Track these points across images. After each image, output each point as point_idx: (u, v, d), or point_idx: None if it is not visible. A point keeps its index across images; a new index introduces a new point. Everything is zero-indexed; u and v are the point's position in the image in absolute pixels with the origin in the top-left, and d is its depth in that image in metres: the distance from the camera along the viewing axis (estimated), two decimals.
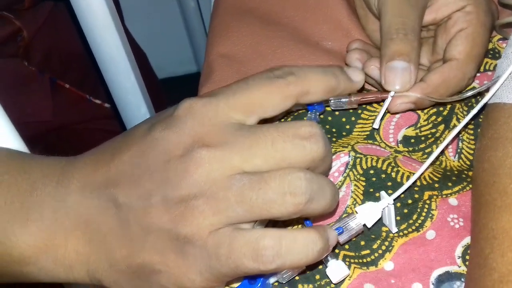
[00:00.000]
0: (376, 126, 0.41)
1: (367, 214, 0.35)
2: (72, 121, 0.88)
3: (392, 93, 0.39)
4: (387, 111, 0.40)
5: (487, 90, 0.36)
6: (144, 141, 0.29)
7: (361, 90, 0.44)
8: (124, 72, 0.56)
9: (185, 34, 1.23)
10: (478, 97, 0.42)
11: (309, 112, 0.40)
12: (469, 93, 0.38)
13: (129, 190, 0.28)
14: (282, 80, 0.30)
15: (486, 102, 0.36)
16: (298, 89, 0.31)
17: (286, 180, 0.27)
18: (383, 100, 0.40)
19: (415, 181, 0.38)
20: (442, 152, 0.41)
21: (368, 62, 0.41)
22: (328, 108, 0.41)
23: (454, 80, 0.39)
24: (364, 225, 0.35)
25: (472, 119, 0.41)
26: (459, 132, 0.42)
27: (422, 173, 0.37)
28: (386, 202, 0.35)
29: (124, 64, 0.55)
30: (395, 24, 0.38)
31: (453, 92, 0.39)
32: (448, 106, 0.42)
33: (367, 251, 0.36)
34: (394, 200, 0.35)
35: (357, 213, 0.35)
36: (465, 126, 0.42)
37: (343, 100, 0.39)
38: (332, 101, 0.39)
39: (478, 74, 0.43)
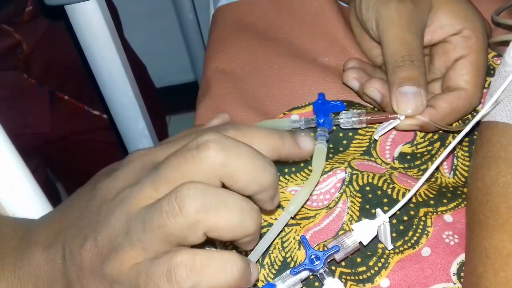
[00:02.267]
0: (376, 137, 0.42)
1: (363, 231, 0.35)
2: (71, 132, 0.89)
3: (402, 116, 0.40)
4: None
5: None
6: (90, 194, 0.30)
7: (354, 105, 0.44)
8: (122, 88, 0.56)
9: (183, 44, 1.24)
10: (474, 114, 0.43)
11: (318, 129, 0.41)
12: (474, 121, 0.36)
13: (72, 240, 0.29)
14: (224, 132, 0.30)
15: (480, 120, 0.36)
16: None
17: (174, 193, 0.26)
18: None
19: (411, 198, 0.38)
20: (437, 169, 0.42)
21: (368, 84, 0.41)
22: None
23: (462, 109, 0.40)
24: (360, 242, 0.35)
25: (467, 136, 0.41)
26: (454, 149, 0.42)
27: (417, 191, 0.38)
28: (382, 219, 0.35)
29: (122, 80, 0.56)
30: (401, 52, 0.39)
31: (459, 119, 0.41)
32: None
33: (363, 268, 0.36)
34: (389, 217, 0.36)
35: (353, 230, 0.35)
36: (460, 143, 0.42)
37: (354, 119, 0.41)
38: (342, 120, 0.40)
39: None
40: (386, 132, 0.41)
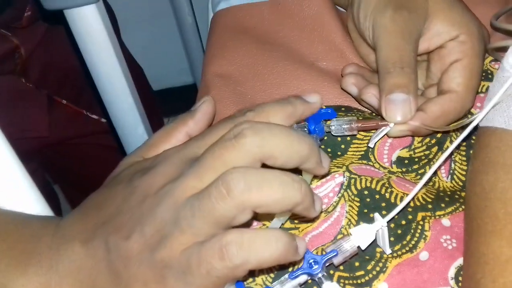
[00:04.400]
0: (371, 145, 0.42)
1: (361, 236, 0.35)
2: (69, 136, 0.89)
3: (392, 123, 0.40)
4: (385, 134, 0.41)
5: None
6: (126, 191, 0.32)
7: (352, 110, 0.44)
8: (121, 93, 0.56)
9: (182, 47, 1.24)
10: (469, 116, 0.43)
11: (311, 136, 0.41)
12: (468, 121, 0.37)
13: (115, 234, 0.30)
14: (242, 117, 0.33)
15: (478, 125, 0.37)
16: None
17: (220, 180, 0.28)
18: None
19: (409, 202, 0.38)
20: (435, 173, 0.42)
21: (365, 90, 0.41)
22: None
23: (454, 112, 0.39)
24: (358, 247, 0.35)
25: (464, 140, 0.41)
26: (452, 153, 0.42)
27: (415, 195, 0.38)
28: (380, 224, 0.35)
29: (122, 86, 0.56)
30: (392, 59, 0.39)
31: (451, 122, 0.40)
32: None
33: (362, 272, 0.37)
34: (387, 221, 0.36)
35: (351, 235, 0.35)
36: (458, 148, 0.43)
37: (344, 126, 0.41)
38: (333, 127, 0.40)
39: None
40: (379, 139, 0.41)
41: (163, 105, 1.16)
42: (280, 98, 0.35)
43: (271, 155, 0.30)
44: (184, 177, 0.30)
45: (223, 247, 0.28)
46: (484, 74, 0.46)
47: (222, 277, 0.29)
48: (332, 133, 0.41)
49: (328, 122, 0.41)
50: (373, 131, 0.42)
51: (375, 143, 0.42)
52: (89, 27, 0.50)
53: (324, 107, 0.45)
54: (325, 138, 0.43)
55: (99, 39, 0.51)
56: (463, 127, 0.39)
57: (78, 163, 0.94)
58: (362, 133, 0.43)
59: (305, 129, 0.42)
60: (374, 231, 0.35)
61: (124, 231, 0.30)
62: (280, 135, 0.30)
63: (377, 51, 0.41)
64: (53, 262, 0.32)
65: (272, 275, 0.37)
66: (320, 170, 0.33)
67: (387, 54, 0.39)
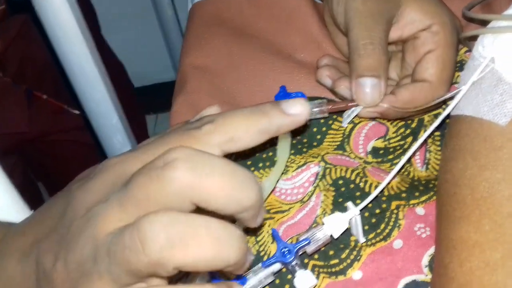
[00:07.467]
0: (344, 125, 0.42)
1: (334, 225, 0.35)
2: (50, 131, 0.88)
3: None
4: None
5: (451, 98, 0.37)
6: (65, 203, 0.28)
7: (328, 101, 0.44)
8: (94, 83, 0.56)
9: (163, 43, 1.23)
10: (444, 107, 0.43)
11: None
12: (444, 114, 0.37)
13: (44, 257, 0.27)
14: (197, 131, 0.26)
15: (450, 113, 0.37)
16: (217, 138, 0.26)
17: (135, 228, 0.23)
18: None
19: (383, 191, 0.38)
20: (410, 163, 0.42)
21: (338, 82, 0.42)
22: None
23: (424, 101, 0.40)
24: (331, 235, 0.35)
25: (438, 129, 0.42)
26: (427, 143, 0.43)
27: (388, 183, 0.38)
28: (353, 213, 0.35)
29: (94, 75, 0.55)
30: (362, 39, 0.39)
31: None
32: (416, 119, 0.43)
33: (336, 261, 0.37)
34: (361, 210, 0.36)
35: (324, 224, 0.35)
36: (432, 137, 0.43)
37: (315, 110, 0.41)
38: None
39: None
40: (352, 119, 0.42)
41: (145, 102, 1.16)
42: (253, 105, 0.28)
43: (204, 199, 0.23)
44: (107, 205, 0.25)
45: None
46: (459, 64, 0.46)
47: None
48: None
49: None
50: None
51: (348, 123, 0.42)
52: (58, 15, 0.49)
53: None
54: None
55: (69, 27, 0.50)
56: (435, 116, 0.40)
57: (57, 160, 0.94)
58: (337, 123, 0.43)
59: None
60: (347, 220, 0.36)
61: (52, 256, 0.27)
62: (220, 176, 0.23)
63: (348, 33, 0.41)
64: None
65: None
66: (252, 224, 0.26)
67: (357, 34, 0.39)
